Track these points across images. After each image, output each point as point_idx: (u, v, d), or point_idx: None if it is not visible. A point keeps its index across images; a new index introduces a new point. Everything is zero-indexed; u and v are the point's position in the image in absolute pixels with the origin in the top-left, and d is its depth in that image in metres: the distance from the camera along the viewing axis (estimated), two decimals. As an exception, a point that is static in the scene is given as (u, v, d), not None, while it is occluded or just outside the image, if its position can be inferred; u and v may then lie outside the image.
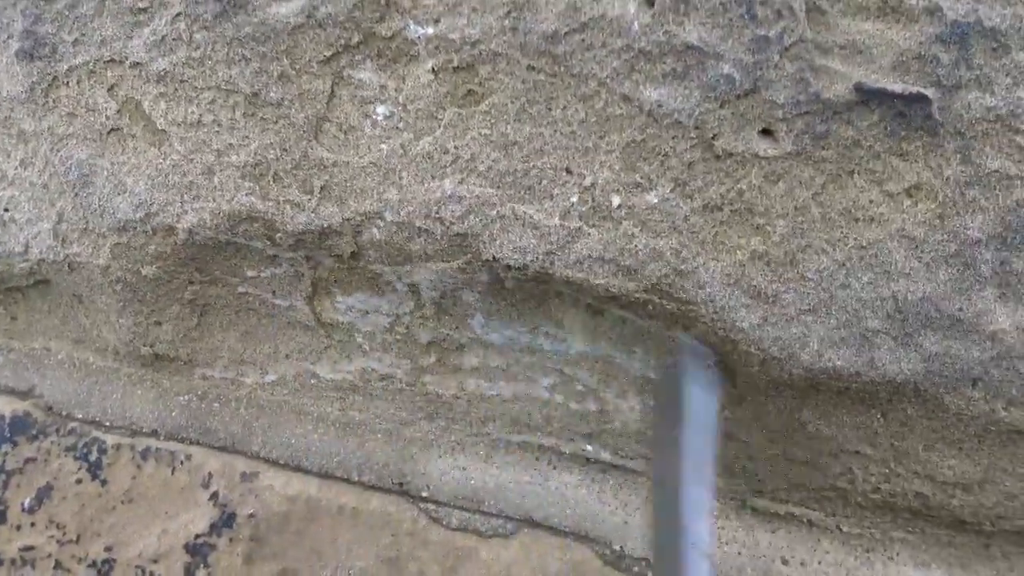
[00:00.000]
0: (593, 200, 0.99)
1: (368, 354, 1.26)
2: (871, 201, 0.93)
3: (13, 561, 1.31)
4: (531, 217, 1.01)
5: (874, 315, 0.95)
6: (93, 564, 1.30)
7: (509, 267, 1.04)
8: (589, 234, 1.00)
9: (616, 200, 0.99)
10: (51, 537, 1.31)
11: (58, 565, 1.30)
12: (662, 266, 0.98)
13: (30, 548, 1.31)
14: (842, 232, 0.95)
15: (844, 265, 0.95)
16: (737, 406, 1.09)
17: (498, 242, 1.03)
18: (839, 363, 0.96)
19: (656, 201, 0.97)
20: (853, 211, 0.94)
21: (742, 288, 0.97)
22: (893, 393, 0.99)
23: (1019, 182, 0.89)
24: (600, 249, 1.00)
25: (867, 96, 0.90)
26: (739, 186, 0.95)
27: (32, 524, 1.32)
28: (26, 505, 1.33)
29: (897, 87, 0.90)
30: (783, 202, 0.95)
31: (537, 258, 1.02)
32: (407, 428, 1.29)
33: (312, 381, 1.31)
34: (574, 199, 1.00)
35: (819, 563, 1.16)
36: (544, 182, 1.00)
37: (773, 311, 0.97)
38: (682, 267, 0.98)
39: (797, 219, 0.95)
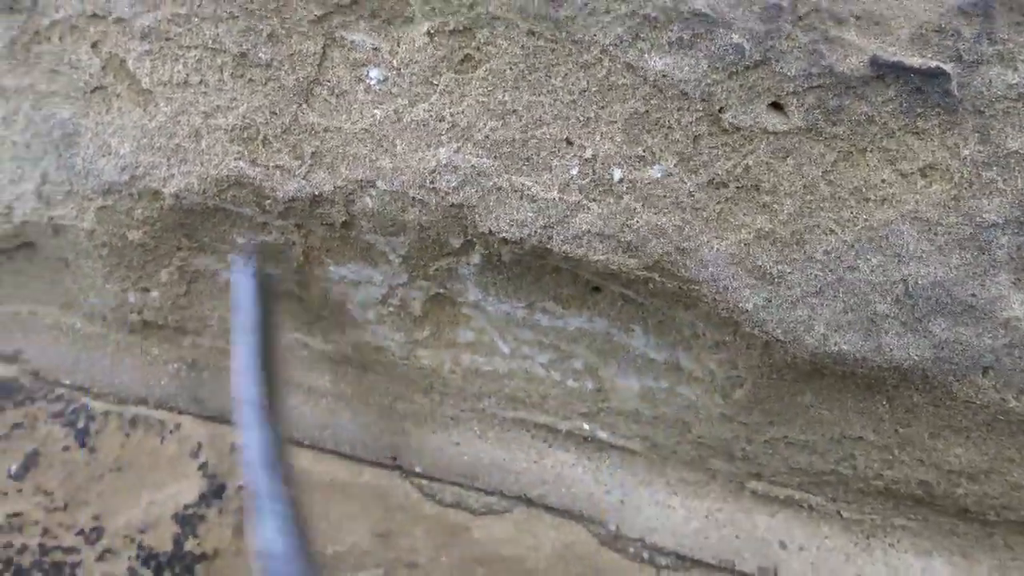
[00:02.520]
0: (594, 173, 0.95)
1: (361, 326, 1.23)
2: (883, 180, 0.89)
3: (0, 527, 1.29)
4: (529, 189, 0.97)
5: (883, 299, 0.91)
6: (82, 532, 1.28)
7: (506, 241, 1.01)
8: (589, 208, 0.96)
9: (618, 173, 0.94)
10: (39, 504, 1.29)
11: (46, 532, 1.29)
12: (664, 243, 0.95)
13: (18, 515, 1.29)
14: (852, 212, 0.90)
15: (853, 246, 0.91)
16: (737, 388, 1.06)
17: (495, 214, 0.99)
18: (845, 347, 0.93)
19: (659, 176, 0.93)
20: (864, 190, 0.90)
21: (746, 268, 0.94)
22: (900, 379, 0.95)
23: (1041, 163, 0.85)
24: (600, 224, 0.96)
25: (883, 70, 0.86)
26: (746, 162, 0.91)
27: (19, 491, 1.30)
28: (13, 471, 1.31)
29: (915, 61, 0.85)
30: (791, 179, 0.91)
31: (535, 232, 0.98)
32: (401, 402, 1.27)
33: (304, 352, 1.28)
34: (574, 171, 0.96)
35: (818, 548, 1.13)
36: (543, 153, 0.96)
37: (778, 293, 0.94)
38: (684, 245, 0.94)
39: (806, 198, 0.91)
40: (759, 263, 0.93)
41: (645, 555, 1.17)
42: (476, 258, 1.08)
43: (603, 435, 1.20)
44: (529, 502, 1.21)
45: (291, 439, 1.28)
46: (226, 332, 1.29)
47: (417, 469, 1.25)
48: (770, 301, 0.94)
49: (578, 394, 1.18)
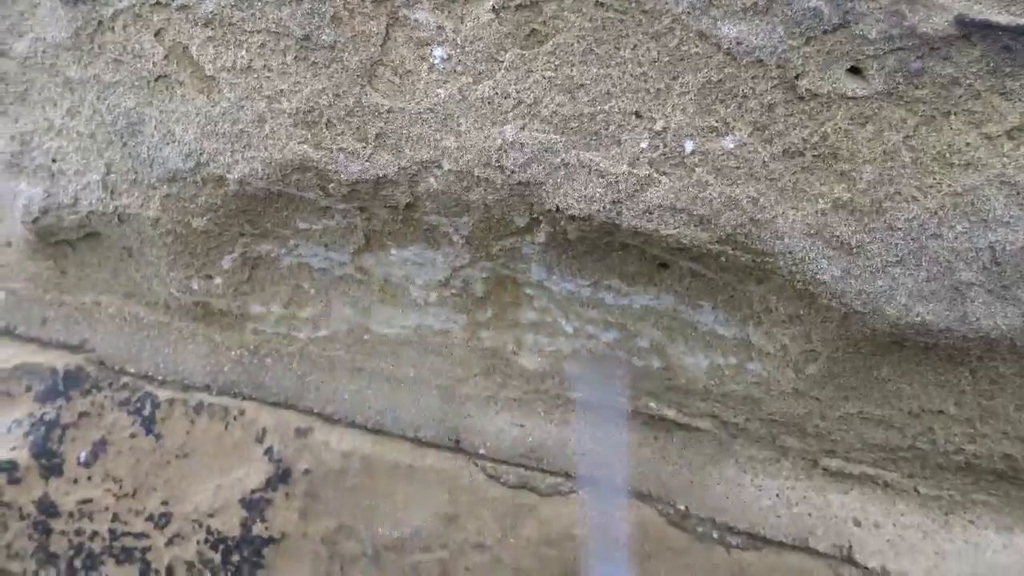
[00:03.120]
0: (664, 146, 0.94)
1: (423, 309, 1.23)
2: (968, 144, 0.87)
3: (71, 514, 1.31)
4: (598, 164, 0.96)
5: (968, 267, 0.89)
6: (151, 518, 1.30)
7: (573, 217, 1.00)
8: (660, 182, 0.95)
9: (689, 145, 0.93)
10: (108, 490, 1.31)
11: (116, 518, 1.30)
12: (738, 215, 0.93)
13: (88, 501, 1.31)
14: (935, 178, 0.88)
15: (936, 214, 0.88)
16: (811, 362, 1.04)
17: (562, 191, 0.98)
18: (929, 318, 0.91)
19: (733, 146, 0.92)
20: (948, 155, 0.87)
21: (824, 239, 0.92)
22: (985, 350, 0.93)
23: None
24: (671, 198, 0.95)
25: (969, 29, 0.83)
26: (823, 129, 0.89)
27: (88, 477, 1.32)
28: (82, 459, 1.32)
29: (1003, 19, 0.82)
30: (871, 146, 0.89)
31: (604, 208, 0.97)
32: (463, 384, 1.26)
33: (365, 336, 1.28)
34: (644, 145, 0.94)
35: (894, 525, 1.11)
36: (612, 127, 0.95)
37: (857, 263, 0.92)
38: (759, 216, 0.93)
39: (886, 164, 0.89)
40: (837, 233, 0.91)
41: (715, 534, 1.16)
42: (541, 236, 1.07)
43: (670, 414, 1.18)
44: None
45: (353, 423, 1.29)
46: (288, 318, 1.30)
47: (481, 451, 1.25)
48: (849, 272, 0.92)
49: (644, 373, 1.17)
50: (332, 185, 1.08)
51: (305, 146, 1.06)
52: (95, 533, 1.31)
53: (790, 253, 0.93)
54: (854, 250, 0.91)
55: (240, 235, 1.21)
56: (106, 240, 1.30)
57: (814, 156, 0.90)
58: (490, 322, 1.21)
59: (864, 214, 0.90)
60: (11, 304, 1.45)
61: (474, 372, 1.26)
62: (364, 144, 1.04)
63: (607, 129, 0.95)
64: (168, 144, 1.13)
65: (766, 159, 0.91)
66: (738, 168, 0.92)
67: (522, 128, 0.98)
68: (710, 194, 0.93)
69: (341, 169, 1.06)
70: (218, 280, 1.26)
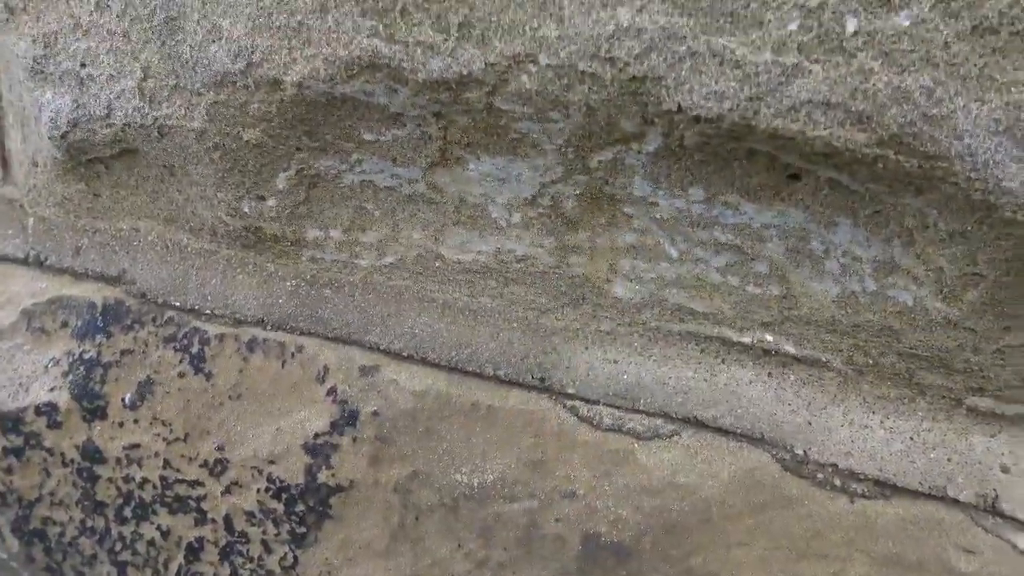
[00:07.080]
0: (820, 25, 0.77)
1: (504, 231, 1.08)
2: None
3: (119, 460, 1.20)
4: (733, 52, 0.80)
5: None
6: (205, 464, 1.18)
7: (698, 119, 0.84)
8: (810, 71, 0.79)
9: (852, 25, 0.76)
10: (157, 435, 1.20)
11: (167, 464, 1.19)
12: (907, 111, 0.77)
13: (135, 446, 1.20)
14: None
15: None
16: (971, 288, 0.89)
17: (687, 87, 0.82)
18: None
19: (907, 24, 0.75)
20: None
21: (1015, 137, 0.76)
22: None
23: None
24: (825, 91, 0.79)
25: None
26: None
27: (135, 421, 1.20)
28: (127, 400, 1.21)
29: None
30: (1082, 21, 0.72)
31: (738, 105, 0.81)
32: (548, 316, 1.12)
33: (437, 264, 1.14)
34: (793, 26, 0.78)
35: (1050, 472, 0.98)
36: (752, 6, 0.79)
37: (1054, 166, 0.76)
38: (934, 111, 0.77)
39: (1099, 43, 0.73)
40: (1032, 130, 0.75)
41: (837, 482, 1.03)
42: (652, 144, 0.92)
43: (788, 347, 1.04)
44: (700, 424, 1.07)
45: (424, 359, 1.16)
46: (350, 244, 1.16)
47: (569, 391, 1.11)
48: (1043, 177, 0.76)
49: (760, 301, 1.03)
50: (406, 87, 0.93)
51: (376, 40, 0.90)
52: (145, 480, 1.20)
53: (970, 156, 0.77)
54: (1051, 151, 0.75)
55: (297, 149, 1.06)
56: (144, 157, 1.15)
57: (1010, 33, 0.73)
58: (581, 246, 1.06)
59: (1066, 106, 0.74)
60: (41, 231, 1.32)
61: (562, 302, 1.12)
62: (445, 36, 0.88)
63: (746, 8, 0.79)
64: (214, 42, 0.97)
65: (948, 39, 0.75)
66: (912, 51, 0.76)
67: (639, 10, 0.81)
68: (874, 85, 0.77)
69: (419, 67, 0.90)
70: (271, 201, 1.12)
